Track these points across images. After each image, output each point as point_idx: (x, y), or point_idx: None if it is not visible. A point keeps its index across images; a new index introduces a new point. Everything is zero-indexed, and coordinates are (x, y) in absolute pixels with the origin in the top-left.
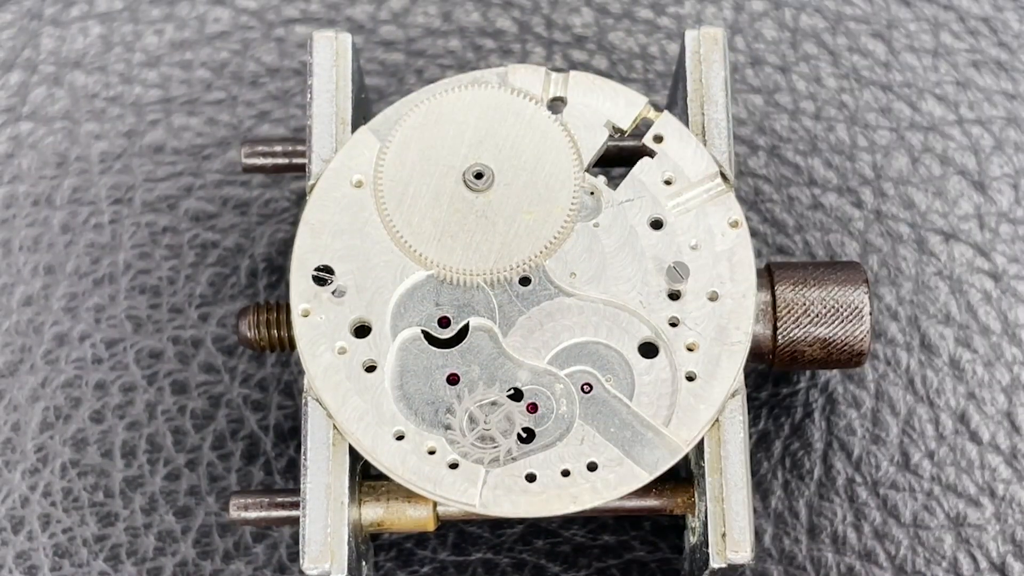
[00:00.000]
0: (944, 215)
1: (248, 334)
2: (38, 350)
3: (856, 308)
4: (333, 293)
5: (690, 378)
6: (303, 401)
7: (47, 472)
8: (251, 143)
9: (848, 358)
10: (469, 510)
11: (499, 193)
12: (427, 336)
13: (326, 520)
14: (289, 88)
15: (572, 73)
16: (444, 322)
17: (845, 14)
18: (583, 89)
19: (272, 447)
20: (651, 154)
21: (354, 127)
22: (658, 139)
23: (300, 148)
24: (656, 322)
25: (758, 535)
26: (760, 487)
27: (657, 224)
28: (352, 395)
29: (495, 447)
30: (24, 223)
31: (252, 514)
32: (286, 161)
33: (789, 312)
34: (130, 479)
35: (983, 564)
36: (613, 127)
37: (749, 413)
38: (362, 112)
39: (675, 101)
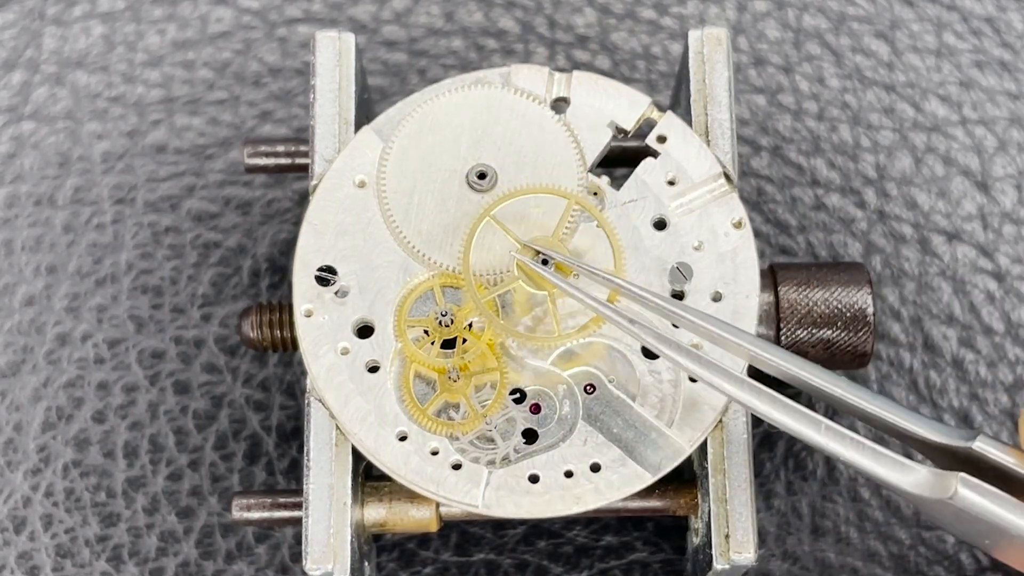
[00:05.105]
0: (947, 215)
1: (250, 334)
2: (40, 350)
3: (859, 309)
4: (336, 293)
5: (693, 379)
6: (306, 401)
7: (49, 472)
8: (253, 143)
9: (851, 359)
10: (472, 511)
11: (504, 190)
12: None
13: (329, 521)
14: (291, 88)
15: (575, 73)
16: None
17: (848, 14)
18: (586, 89)
19: (274, 447)
20: (654, 154)
21: (357, 127)
22: (661, 139)
23: (303, 148)
24: (659, 323)
25: (761, 536)
26: (763, 488)
27: (660, 224)
28: (355, 396)
29: (495, 448)
30: (26, 223)
31: (254, 514)
32: (289, 161)
33: (792, 313)
34: (132, 479)
35: (985, 563)
36: (616, 127)
37: (752, 414)
38: (365, 112)
39: (678, 101)
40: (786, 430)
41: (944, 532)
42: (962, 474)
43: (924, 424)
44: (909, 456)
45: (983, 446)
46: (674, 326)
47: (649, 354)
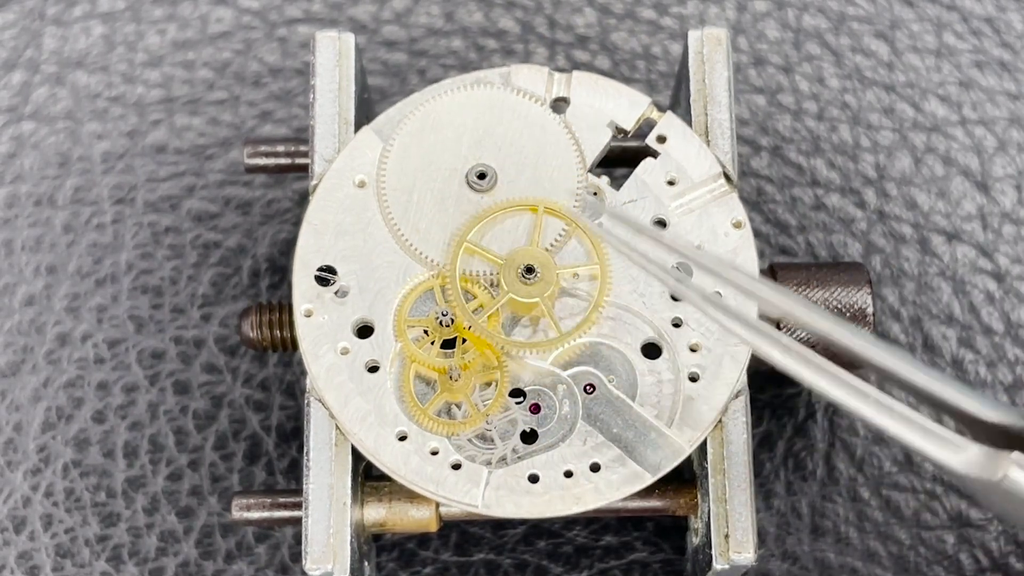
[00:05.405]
0: (947, 215)
1: (250, 334)
2: (40, 350)
3: (859, 309)
4: (336, 293)
5: (693, 379)
6: (305, 401)
7: (49, 472)
8: (253, 143)
9: (851, 359)
10: (472, 511)
11: (504, 191)
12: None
13: (328, 520)
14: (291, 88)
15: (575, 73)
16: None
17: (848, 14)
18: (586, 89)
19: (274, 447)
20: (654, 155)
21: (357, 127)
22: (661, 139)
23: (303, 148)
24: (659, 323)
25: (761, 535)
26: (763, 488)
27: (660, 224)
28: (354, 396)
29: (495, 448)
30: (26, 223)
31: (254, 514)
32: (288, 161)
33: None
34: (132, 479)
35: (985, 563)
36: (616, 127)
37: (752, 414)
38: (364, 112)
39: (678, 101)
40: (831, 399)
41: (944, 533)
42: (1016, 454)
43: (977, 399)
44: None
45: None
46: (675, 326)
47: (649, 354)
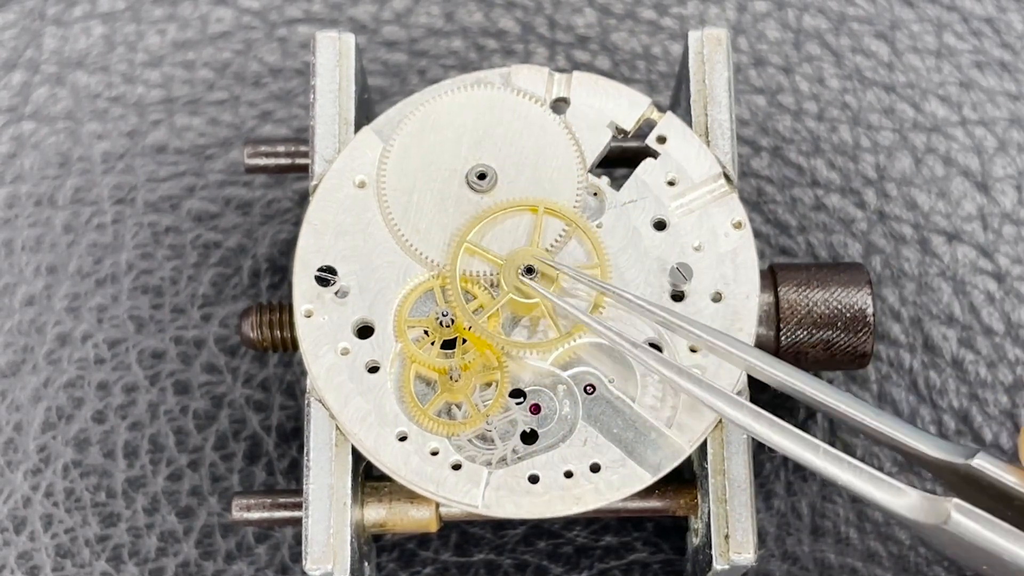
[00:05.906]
0: (947, 216)
1: (251, 334)
2: (40, 350)
3: (859, 309)
4: (336, 294)
5: None
6: (306, 402)
7: (49, 472)
8: (254, 143)
9: (851, 359)
10: (472, 511)
11: (504, 192)
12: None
13: (329, 521)
14: (292, 88)
15: (575, 73)
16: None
17: (848, 15)
18: (586, 90)
19: (274, 447)
20: (654, 155)
21: (357, 127)
22: (661, 140)
23: (303, 148)
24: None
25: (761, 536)
26: (763, 488)
27: (660, 225)
28: (355, 396)
29: (495, 448)
30: (26, 223)
31: (254, 515)
32: (289, 161)
33: (792, 313)
34: (132, 479)
35: None
36: (616, 128)
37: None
38: (365, 112)
39: (678, 102)
40: (784, 453)
41: None
42: (956, 500)
43: (924, 439)
44: (913, 471)
45: (982, 464)
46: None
47: None
